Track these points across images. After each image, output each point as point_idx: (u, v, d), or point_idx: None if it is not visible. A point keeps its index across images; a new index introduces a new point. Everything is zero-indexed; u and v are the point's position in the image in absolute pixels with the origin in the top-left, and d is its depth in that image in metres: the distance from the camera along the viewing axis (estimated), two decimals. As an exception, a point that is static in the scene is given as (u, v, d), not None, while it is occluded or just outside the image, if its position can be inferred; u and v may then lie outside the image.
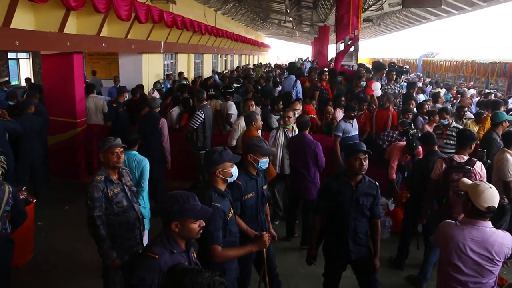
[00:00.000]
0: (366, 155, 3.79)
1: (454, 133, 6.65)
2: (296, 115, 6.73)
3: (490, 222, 3.10)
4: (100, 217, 3.67)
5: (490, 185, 3.12)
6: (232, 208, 3.45)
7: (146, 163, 4.79)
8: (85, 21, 8.58)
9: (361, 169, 3.76)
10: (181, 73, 15.17)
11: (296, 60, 22.92)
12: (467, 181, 3.29)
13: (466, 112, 8.01)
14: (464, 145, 4.76)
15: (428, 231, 5.10)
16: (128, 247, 3.91)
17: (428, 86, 17.04)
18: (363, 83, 9.53)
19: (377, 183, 3.87)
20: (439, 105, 9.09)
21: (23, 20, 6.96)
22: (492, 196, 3.04)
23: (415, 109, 8.22)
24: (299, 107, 7.26)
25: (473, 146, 4.81)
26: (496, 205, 3.05)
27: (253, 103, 7.24)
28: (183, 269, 1.99)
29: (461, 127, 6.72)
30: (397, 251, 5.56)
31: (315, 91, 9.41)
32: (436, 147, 5.36)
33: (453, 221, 3.27)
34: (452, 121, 6.93)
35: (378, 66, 10.11)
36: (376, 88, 8.66)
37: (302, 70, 13.39)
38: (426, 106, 8.41)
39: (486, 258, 3.04)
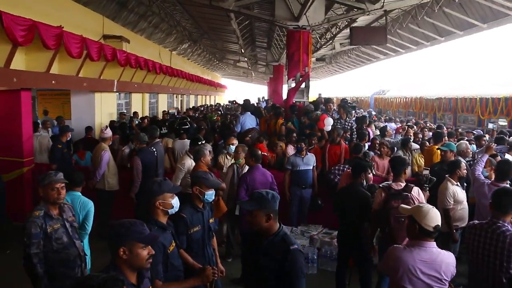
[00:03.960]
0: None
1: None
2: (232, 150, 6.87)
3: (435, 243, 3.18)
4: (37, 255, 3.49)
5: (431, 206, 3.23)
6: (175, 241, 3.36)
7: (91, 205, 4.64)
8: (34, 57, 8.44)
9: None
10: (135, 113, 15.05)
11: (257, 100, 23.14)
12: (406, 206, 3.38)
13: (411, 144, 8.32)
14: (398, 171, 4.96)
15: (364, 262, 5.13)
16: (69, 286, 3.71)
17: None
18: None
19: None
20: (387, 138, 9.38)
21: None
22: (436, 215, 3.15)
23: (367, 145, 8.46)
24: (235, 142, 7.32)
25: (407, 171, 5.05)
26: (440, 225, 3.14)
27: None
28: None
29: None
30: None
31: (282, 126, 9.55)
32: (359, 179, 5.31)
33: (400, 245, 3.32)
34: None
35: (326, 100, 10.48)
36: (328, 124, 8.80)
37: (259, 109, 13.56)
38: (377, 141, 8.62)
39: (435, 279, 3.10)
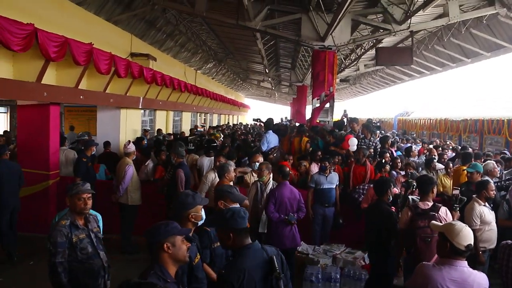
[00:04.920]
0: None
1: None
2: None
3: (466, 262, 3.07)
4: (62, 264, 3.50)
5: (464, 224, 3.12)
6: (199, 253, 3.34)
7: (99, 219, 4.51)
8: (64, 73, 8.61)
9: None
10: (159, 130, 15.22)
11: (280, 120, 23.23)
12: (438, 223, 3.28)
13: (435, 164, 8.21)
14: (425, 190, 4.85)
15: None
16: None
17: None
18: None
19: None
20: (412, 158, 9.26)
21: (1, 68, 6.97)
22: (469, 234, 3.06)
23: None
24: (260, 159, 7.29)
25: (435, 190, 4.91)
26: (472, 244, 3.03)
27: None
28: (137, 282, 2.11)
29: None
30: None
31: (307, 144, 9.57)
32: (385, 197, 5.17)
33: (430, 263, 3.22)
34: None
35: (350, 119, 10.48)
36: (353, 144, 8.70)
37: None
38: (399, 161, 8.51)
39: None
